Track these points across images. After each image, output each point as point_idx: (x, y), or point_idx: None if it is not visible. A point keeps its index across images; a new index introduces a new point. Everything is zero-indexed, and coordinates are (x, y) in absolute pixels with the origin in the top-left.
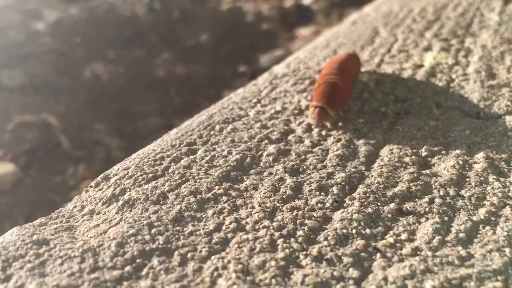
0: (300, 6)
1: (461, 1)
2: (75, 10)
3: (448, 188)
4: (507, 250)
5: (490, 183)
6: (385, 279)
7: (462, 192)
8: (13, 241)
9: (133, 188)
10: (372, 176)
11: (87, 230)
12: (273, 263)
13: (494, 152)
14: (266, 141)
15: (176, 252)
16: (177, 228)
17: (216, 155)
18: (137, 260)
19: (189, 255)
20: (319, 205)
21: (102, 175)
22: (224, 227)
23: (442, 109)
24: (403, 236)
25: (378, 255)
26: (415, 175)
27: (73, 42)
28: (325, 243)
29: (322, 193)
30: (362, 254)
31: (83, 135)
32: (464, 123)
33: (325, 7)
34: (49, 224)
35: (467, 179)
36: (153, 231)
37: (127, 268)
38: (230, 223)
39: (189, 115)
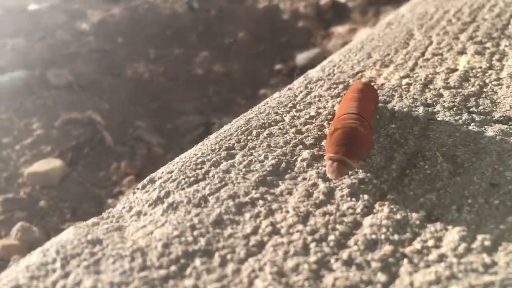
0: (336, 3)
1: (498, 1)
2: (118, 10)
3: (477, 196)
4: None
5: None
6: (411, 284)
7: (491, 200)
8: (70, 240)
9: (177, 191)
10: (402, 183)
11: (136, 231)
12: (306, 266)
13: None
14: (301, 146)
15: (217, 254)
16: (217, 230)
17: (253, 159)
18: (181, 260)
19: (228, 256)
20: (350, 210)
21: (148, 178)
22: (260, 230)
23: (474, 115)
24: (430, 243)
25: (405, 260)
26: (445, 182)
27: (115, 41)
28: (355, 247)
29: (353, 199)
30: (390, 259)
31: (125, 132)
32: (495, 130)
33: (361, 4)
34: (101, 224)
35: (496, 187)
36: (195, 233)
37: (173, 268)
38: (266, 226)
39: (226, 112)
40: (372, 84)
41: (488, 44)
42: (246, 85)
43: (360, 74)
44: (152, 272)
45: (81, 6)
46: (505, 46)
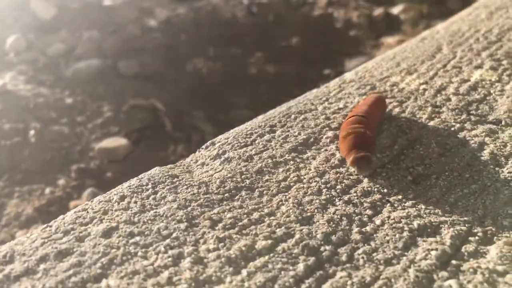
0: (389, 15)
1: None
2: (183, 10)
3: (453, 171)
4: (479, 211)
5: (487, 170)
6: (388, 217)
7: (463, 174)
8: (157, 174)
9: (231, 151)
10: (399, 158)
11: (200, 173)
12: (317, 201)
13: (498, 150)
14: (327, 128)
15: (256, 190)
16: (258, 176)
17: (289, 134)
18: (232, 191)
19: (264, 192)
20: (355, 172)
21: (209, 141)
22: (288, 179)
23: (471, 116)
24: (410, 196)
25: (388, 204)
26: (433, 160)
27: (179, 38)
28: (354, 194)
29: None
30: (377, 202)
31: (183, 120)
32: (485, 128)
33: (413, 17)
34: (175, 168)
35: (471, 166)
36: (243, 176)
37: (226, 195)
38: (293, 177)
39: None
40: (393, 89)
41: (504, 62)
42: (295, 86)
43: (386, 79)
44: (212, 196)
45: (150, 4)
46: None
